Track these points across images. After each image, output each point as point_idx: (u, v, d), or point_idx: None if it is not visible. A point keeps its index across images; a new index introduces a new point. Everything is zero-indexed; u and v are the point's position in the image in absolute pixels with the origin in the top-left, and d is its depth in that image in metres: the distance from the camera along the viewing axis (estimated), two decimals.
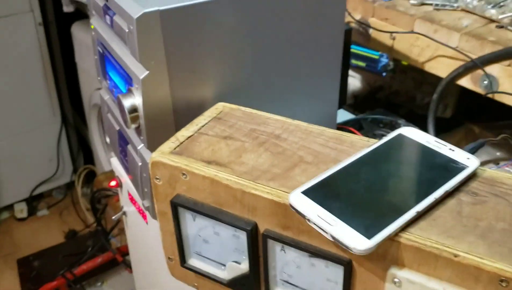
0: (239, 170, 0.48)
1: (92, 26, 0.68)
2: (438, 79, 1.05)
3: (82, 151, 2.25)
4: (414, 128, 0.50)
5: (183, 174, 0.49)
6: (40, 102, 1.96)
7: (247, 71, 0.62)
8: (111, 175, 1.33)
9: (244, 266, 0.50)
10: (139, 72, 0.55)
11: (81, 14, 1.69)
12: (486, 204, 0.42)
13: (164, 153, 0.50)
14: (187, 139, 0.53)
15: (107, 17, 0.60)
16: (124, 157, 0.69)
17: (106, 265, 1.37)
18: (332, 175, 0.44)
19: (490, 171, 0.46)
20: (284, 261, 0.48)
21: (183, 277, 0.58)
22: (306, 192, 0.43)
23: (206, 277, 0.54)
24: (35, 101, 1.93)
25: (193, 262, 0.55)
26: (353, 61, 1.08)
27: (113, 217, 0.83)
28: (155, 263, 0.79)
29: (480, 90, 0.72)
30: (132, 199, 0.77)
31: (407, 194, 0.42)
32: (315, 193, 0.43)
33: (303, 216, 0.41)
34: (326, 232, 0.39)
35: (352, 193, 0.43)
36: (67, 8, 1.62)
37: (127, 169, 0.69)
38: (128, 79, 0.58)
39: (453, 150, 0.47)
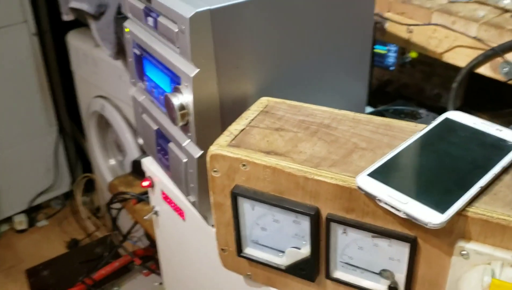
0: (299, 159, 0.50)
1: (128, 29, 0.69)
2: (447, 71, 1.09)
3: (80, 160, 2.24)
4: (459, 112, 0.53)
5: (244, 165, 0.51)
6: (36, 112, 1.95)
7: (285, 67, 0.64)
8: (125, 179, 1.34)
9: (304, 251, 0.52)
10: (189, 70, 0.56)
11: (76, 23, 1.69)
12: None
13: (222, 146, 0.52)
14: (240, 132, 0.54)
15: (149, 19, 0.61)
16: (163, 155, 0.70)
17: (120, 271, 1.37)
18: (394, 157, 0.47)
19: None
20: (346, 244, 0.50)
21: (236, 267, 0.60)
22: (372, 175, 0.45)
23: (262, 264, 0.56)
24: (31, 111, 1.92)
25: (250, 251, 0.56)
26: None
27: (145, 217, 0.84)
28: (188, 260, 0.81)
29: (500, 77, 0.75)
30: (166, 198, 0.78)
31: (468, 171, 0.44)
32: (381, 174, 0.45)
33: (373, 197, 0.43)
34: (399, 210, 0.42)
35: (417, 173, 0.45)
36: (67, 16, 1.61)
37: (167, 168, 0.70)
38: (174, 78, 0.60)
39: (500, 130, 0.49)
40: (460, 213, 0.42)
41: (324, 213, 0.49)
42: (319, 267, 0.53)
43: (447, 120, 0.52)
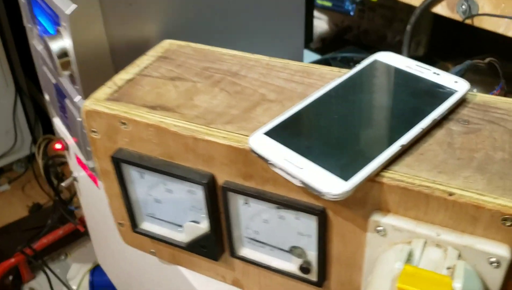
0: (190, 114, 0.40)
1: None
2: (409, 16, 0.99)
3: (40, 121, 2.13)
4: (391, 52, 0.43)
5: (123, 123, 0.41)
6: None
7: (196, 4, 0.53)
8: None
9: (203, 226, 0.43)
10: (65, 6, 0.45)
11: None
12: (481, 133, 0.36)
13: (98, 100, 0.42)
14: (127, 82, 0.44)
15: None
16: (64, 114, 0.60)
17: (70, 238, 1.29)
18: (299, 112, 0.37)
19: (482, 96, 0.39)
20: (249, 216, 0.41)
21: (138, 244, 0.51)
22: (269, 133, 0.36)
23: (162, 241, 0.47)
24: None
25: (146, 226, 0.48)
26: (318, 1, 1.00)
27: (63, 184, 0.75)
28: (112, 231, 0.72)
29: (457, 16, 0.65)
30: (80, 163, 0.69)
31: (389, 126, 0.35)
32: (280, 133, 0.35)
33: (266, 160, 0.34)
34: (295, 177, 0.33)
35: (324, 130, 0.36)
36: None
37: (69, 128, 0.60)
38: (55, 18, 0.49)
39: (438, 74, 0.40)
40: (374, 179, 0.33)
41: (220, 180, 0.40)
42: (222, 244, 0.44)
43: (375, 62, 0.42)
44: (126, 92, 0.43)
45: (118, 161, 0.43)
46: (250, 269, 0.45)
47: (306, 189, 0.32)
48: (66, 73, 0.49)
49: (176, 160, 0.41)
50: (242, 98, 0.41)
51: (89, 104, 0.42)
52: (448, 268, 0.30)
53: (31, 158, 2.14)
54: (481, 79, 1.04)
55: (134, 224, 0.47)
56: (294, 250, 0.41)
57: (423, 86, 0.39)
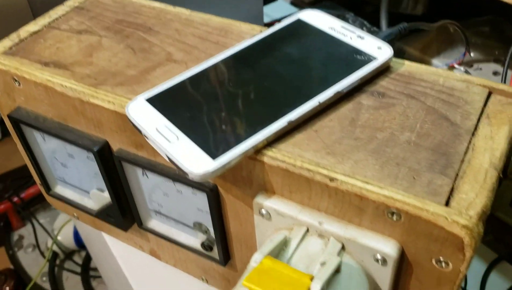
0: (81, 73, 0.36)
1: None
2: None
3: None
4: (320, 11, 0.38)
5: (15, 80, 0.37)
6: None
7: None
8: None
9: (108, 194, 0.40)
10: None
11: None
12: (394, 108, 0.31)
13: None
14: (31, 35, 0.41)
15: None
16: None
17: None
18: (191, 77, 0.33)
19: (409, 64, 0.34)
20: (150, 188, 0.38)
21: (62, 206, 0.49)
22: (151, 100, 0.32)
23: (75, 207, 0.45)
24: None
25: (59, 190, 0.45)
26: None
27: None
28: None
29: None
30: None
31: (281, 98, 0.30)
32: (162, 101, 0.31)
33: (139, 130, 0.30)
34: (162, 151, 0.29)
35: (212, 100, 0.31)
36: None
37: None
38: None
39: (362, 38, 0.35)
40: (255, 157, 0.29)
41: (115, 147, 0.36)
42: (131, 214, 0.41)
43: (298, 22, 0.37)
44: (26, 46, 0.39)
45: (16, 121, 0.40)
46: (163, 242, 0.43)
47: (174, 166, 0.29)
48: None
49: (70, 123, 0.37)
50: (145, 57, 0.37)
51: None
52: (323, 264, 0.27)
53: None
54: (483, 42, 0.95)
55: (47, 187, 0.45)
56: (198, 226, 0.38)
57: (340, 51, 0.34)
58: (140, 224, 0.41)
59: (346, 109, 0.31)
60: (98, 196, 0.41)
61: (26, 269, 1.17)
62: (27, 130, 0.41)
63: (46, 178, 0.44)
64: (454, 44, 0.75)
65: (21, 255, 1.21)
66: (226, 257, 0.38)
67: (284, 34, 0.36)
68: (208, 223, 0.37)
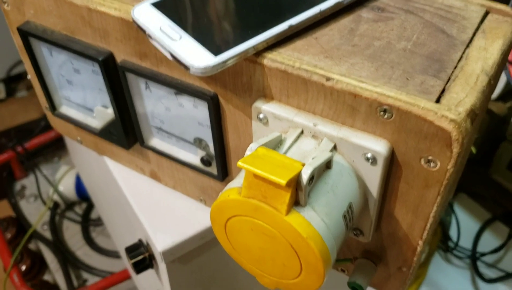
0: None
1: None
2: None
3: None
4: None
5: None
6: None
7: None
8: None
9: (111, 111, 0.41)
10: None
11: None
12: (392, 22, 0.32)
13: None
14: None
15: None
16: None
17: (64, 141, 1.31)
18: None
19: None
20: (153, 103, 0.39)
21: (65, 130, 0.50)
22: (156, 4, 0.32)
23: (80, 127, 0.46)
24: None
25: (64, 110, 0.46)
26: None
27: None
28: None
29: None
30: None
31: (284, 5, 0.31)
32: (167, 5, 0.32)
33: (144, 31, 0.31)
34: (166, 49, 0.30)
35: (216, 4, 0.32)
36: None
37: None
38: None
39: None
40: (255, 60, 0.30)
41: (119, 59, 0.37)
42: (134, 132, 0.42)
43: None
44: None
45: (26, 35, 0.40)
46: (163, 162, 0.44)
47: (177, 63, 0.30)
48: None
49: (76, 35, 0.38)
50: None
51: None
52: (314, 158, 0.28)
53: None
54: None
55: (53, 107, 0.46)
56: (198, 142, 0.39)
57: None
58: (142, 142, 0.42)
59: (346, 20, 0.32)
60: (102, 113, 0.42)
61: (27, 218, 1.19)
62: (35, 44, 0.41)
63: (52, 97, 0.45)
64: None
65: (23, 204, 1.23)
66: (224, 173, 0.39)
67: None
68: (208, 138, 0.38)
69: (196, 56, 0.29)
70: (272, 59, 0.29)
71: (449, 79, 0.28)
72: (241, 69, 0.31)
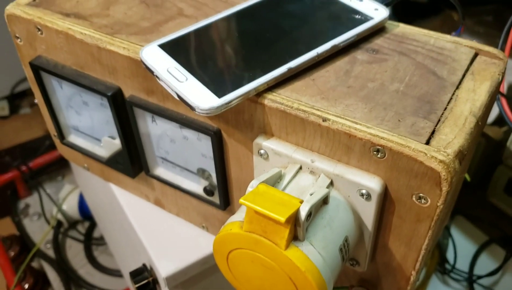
0: (99, 23, 0.39)
1: None
2: None
3: None
4: None
5: (38, 29, 0.40)
6: None
7: None
8: None
9: (118, 141, 0.43)
10: None
11: None
12: (385, 63, 0.34)
13: (19, 5, 0.42)
14: None
15: None
16: None
17: (67, 161, 1.33)
18: (202, 28, 0.36)
19: (403, 26, 0.37)
20: (158, 135, 0.41)
21: (73, 157, 0.52)
22: (163, 46, 0.34)
23: (88, 155, 0.47)
24: None
25: (73, 138, 0.48)
26: None
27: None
28: None
29: None
30: None
31: (283, 48, 0.33)
32: (174, 47, 0.34)
33: (152, 71, 0.33)
34: (172, 89, 0.32)
35: (216, 48, 0.34)
36: None
37: None
38: None
39: (361, 0, 0.37)
40: (256, 100, 0.32)
41: (127, 94, 0.39)
42: (139, 162, 0.44)
43: None
44: None
45: (37, 68, 0.42)
46: (167, 190, 0.46)
47: (183, 102, 0.31)
48: None
49: (86, 70, 0.40)
50: (158, 11, 0.40)
51: (10, 7, 0.41)
52: (312, 194, 0.29)
53: None
54: (486, 31, 0.97)
55: (61, 136, 0.48)
56: (201, 172, 0.41)
57: (338, 11, 0.36)
58: (148, 171, 0.44)
59: (342, 62, 0.34)
60: (109, 143, 0.44)
61: (31, 236, 1.20)
62: (46, 78, 0.43)
63: (61, 127, 0.47)
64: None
65: (26, 222, 1.25)
66: (226, 202, 0.41)
67: None
68: (210, 169, 0.40)
69: (201, 97, 0.30)
70: (272, 99, 0.31)
71: (439, 120, 0.29)
72: (243, 107, 0.32)
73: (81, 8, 0.41)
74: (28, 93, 2.20)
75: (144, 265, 0.49)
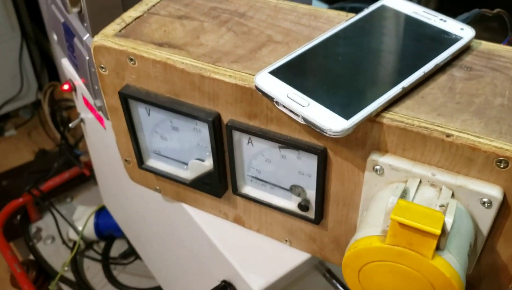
0: (197, 52, 0.40)
1: None
2: None
3: (46, 67, 2.12)
4: None
5: (131, 59, 0.41)
6: None
7: None
8: None
9: (208, 163, 0.45)
10: None
11: None
12: (482, 79, 0.36)
13: (107, 36, 0.43)
14: (134, 20, 0.45)
15: None
16: (72, 53, 0.60)
17: (75, 182, 1.31)
18: (305, 52, 0.38)
19: (487, 44, 0.40)
20: (252, 155, 0.42)
21: (143, 180, 0.53)
22: (274, 72, 0.36)
23: (167, 178, 0.49)
24: None
25: (152, 163, 0.49)
26: None
27: (70, 125, 0.76)
28: (117, 172, 0.74)
29: None
30: (87, 104, 0.70)
31: (392, 69, 0.36)
32: (285, 73, 0.36)
33: (271, 98, 0.35)
34: (297, 115, 0.34)
35: (328, 71, 0.36)
36: None
37: (77, 68, 0.61)
38: None
39: (445, 21, 0.40)
40: (374, 119, 0.34)
41: (225, 119, 0.41)
42: (226, 181, 0.46)
43: (382, 7, 0.42)
44: (134, 29, 0.44)
45: (126, 97, 0.44)
46: (251, 207, 0.47)
47: (309, 126, 0.33)
48: (75, 10, 0.50)
49: (182, 98, 0.42)
50: (248, 39, 0.42)
51: (98, 39, 0.42)
52: (441, 206, 0.32)
53: (37, 105, 2.15)
54: (490, 36, 1.02)
55: (140, 161, 0.49)
56: (294, 189, 0.43)
57: (428, 32, 0.39)
58: (235, 191, 0.45)
59: (442, 80, 0.37)
60: (198, 165, 0.45)
61: (47, 260, 1.19)
62: (133, 106, 0.45)
63: (141, 152, 0.48)
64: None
65: (40, 246, 1.23)
66: (320, 216, 0.43)
67: (375, 17, 0.41)
68: (306, 185, 0.41)
69: (329, 120, 0.32)
70: (391, 118, 0.33)
71: None
72: (358, 126, 0.35)
73: (171, 38, 0.42)
74: (12, 115, 2.17)
75: (224, 281, 0.51)
